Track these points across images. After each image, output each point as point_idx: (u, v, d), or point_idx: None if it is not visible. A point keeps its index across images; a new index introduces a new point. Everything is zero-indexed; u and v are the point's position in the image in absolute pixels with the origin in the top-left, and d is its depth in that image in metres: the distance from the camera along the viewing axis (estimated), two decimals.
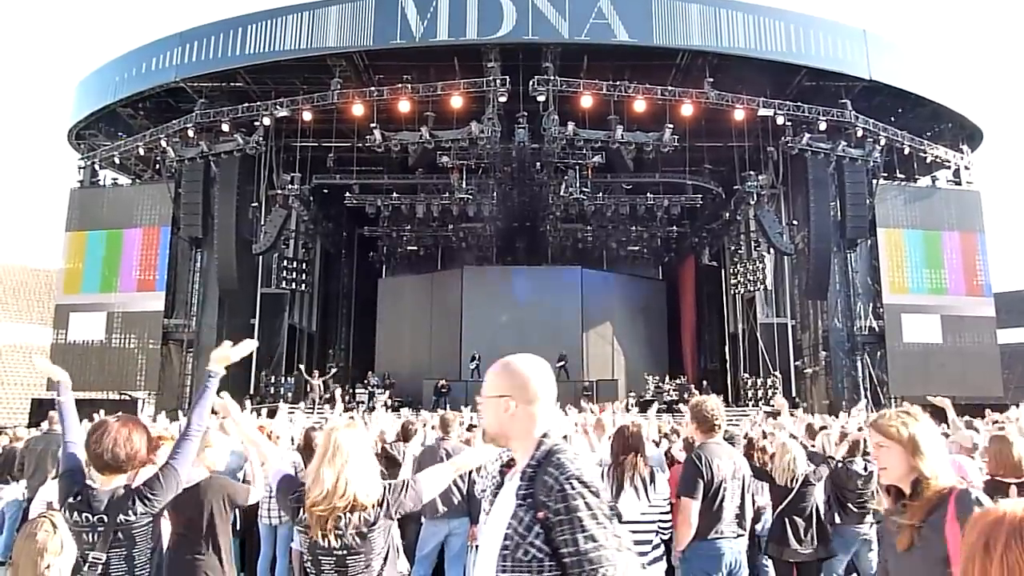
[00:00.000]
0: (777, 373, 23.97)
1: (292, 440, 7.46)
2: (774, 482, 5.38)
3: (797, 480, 5.27)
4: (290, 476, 2.87)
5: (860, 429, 5.98)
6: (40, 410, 19.61)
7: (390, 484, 2.73)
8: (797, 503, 5.25)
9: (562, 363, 23.65)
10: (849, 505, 5.65)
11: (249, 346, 3.25)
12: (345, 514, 2.58)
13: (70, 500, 2.79)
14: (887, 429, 2.31)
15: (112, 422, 2.84)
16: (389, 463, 6.17)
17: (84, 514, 2.75)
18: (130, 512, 2.72)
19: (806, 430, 6.92)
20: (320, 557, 2.61)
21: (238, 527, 6.56)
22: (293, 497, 2.71)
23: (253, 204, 23.63)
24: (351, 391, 24.32)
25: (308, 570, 2.65)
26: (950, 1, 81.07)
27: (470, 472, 5.87)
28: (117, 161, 24.82)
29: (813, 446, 6.30)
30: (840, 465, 5.75)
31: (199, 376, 23.32)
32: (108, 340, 23.15)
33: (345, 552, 2.59)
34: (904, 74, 22.90)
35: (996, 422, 6.60)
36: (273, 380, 24.04)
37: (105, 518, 2.71)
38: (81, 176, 25.08)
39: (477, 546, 5.82)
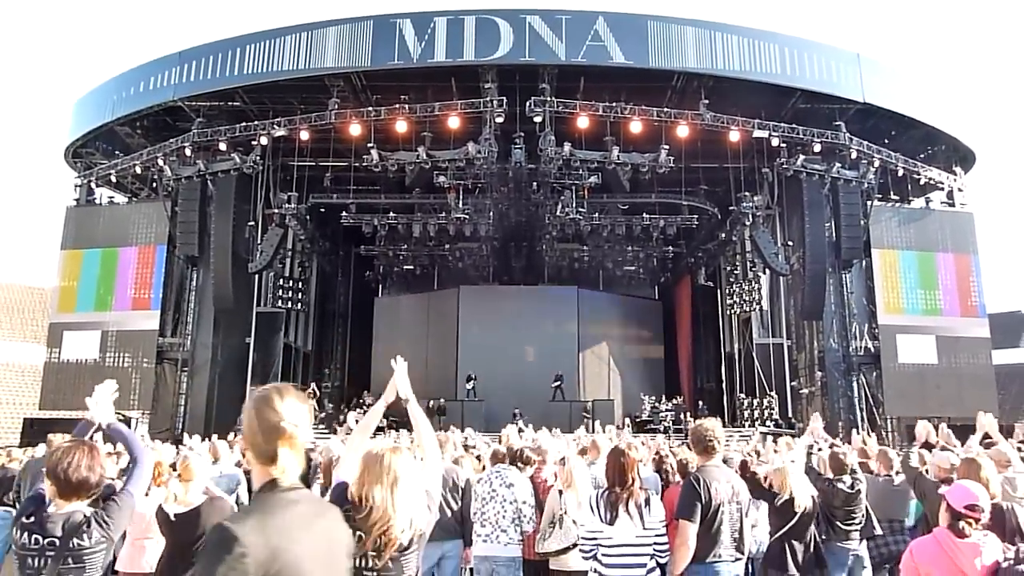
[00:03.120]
0: (773, 393, 23.94)
1: None
2: (774, 504, 5.32)
3: (802, 506, 5.21)
4: (346, 485, 2.80)
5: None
6: (32, 430, 19.48)
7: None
8: (801, 528, 5.20)
9: (558, 383, 23.60)
10: (837, 523, 5.64)
11: (108, 387, 3.14)
12: (392, 536, 2.56)
13: (23, 520, 2.74)
14: None
15: (77, 445, 2.81)
16: None
17: (35, 536, 2.69)
18: (85, 537, 2.68)
19: (831, 460, 6.69)
20: None
21: None
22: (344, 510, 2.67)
23: (250, 223, 23.62)
24: (346, 410, 24.22)
25: None
26: (943, 25, 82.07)
27: (464, 492, 5.85)
28: (114, 179, 24.81)
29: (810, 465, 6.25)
30: (827, 483, 5.74)
31: (194, 395, 23.28)
32: (102, 359, 23.03)
33: (375, 574, 2.58)
34: (898, 97, 23.10)
35: (988, 436, 6.57)
36: None
37: (57, 542, 2.67)
38: (77, 194, 25.09)
39: (471, 569, 5.79)
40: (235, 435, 11.90)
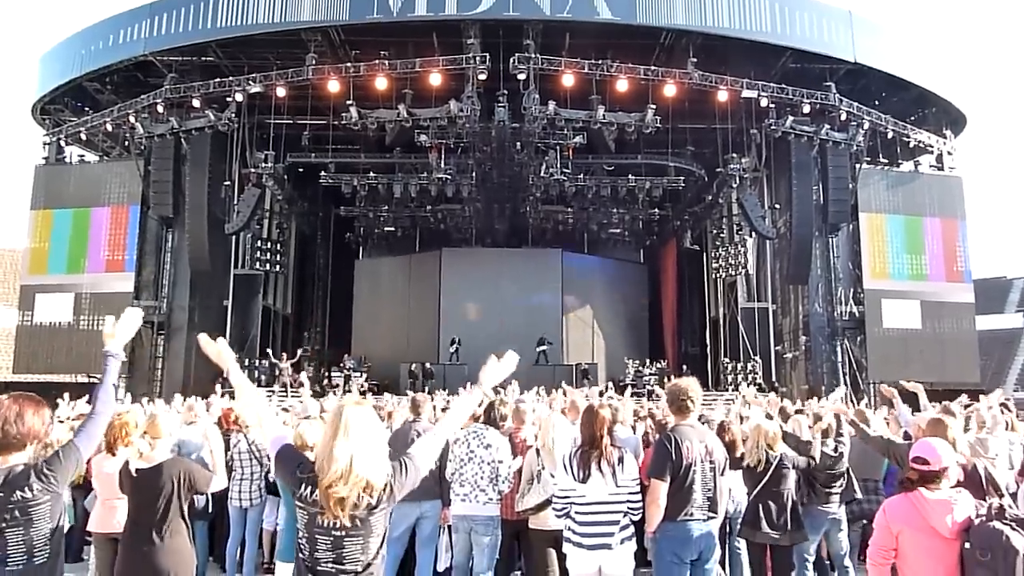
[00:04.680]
0: (757, 358, 24.23)
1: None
2: (745, 465, 5.43)
3: (771, 463, 5.33)
4: (291, 446, 2.82)
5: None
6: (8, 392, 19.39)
7: (395, 465, 2.70)
8: (771, 486, 5.30)
9: (542, 347, 23.74)
10: (818, 486, 5.74)
11: (134, 315, 3.12)
12: (359, 495, 2.56)
13: None
14: None
15: (18, 398, 2.81)
16: None
17: None
18: (27, 489, 2.69)
19: (779, 413, 7.02)
20: (317, 536, 2.59)
21: (209, 510, 6.56)
22: (300, 469, 2.65)
23: (225, 183, 23.35)
24: (327, 375, 24.28)
25: (300, 548, 2.63)
26: None
27: (442, 453, 5.89)
28: (84, 137, 24.37)
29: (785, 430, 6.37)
30: (807, 446, 5.82)
31: (171, 359, 23.23)
32: (76, 322, 22.88)
33: (343, 533, 2.58)
34: (889, 57, 23.03)
35: (967, 406, 6.74)
36: (247, 363, 23.87)
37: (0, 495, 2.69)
38: (46, 153, 24.63)
39: (449, 527, 5.88)
40: (219, 394, 11.91)
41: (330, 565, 2.59)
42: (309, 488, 2.60)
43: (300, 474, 2.64)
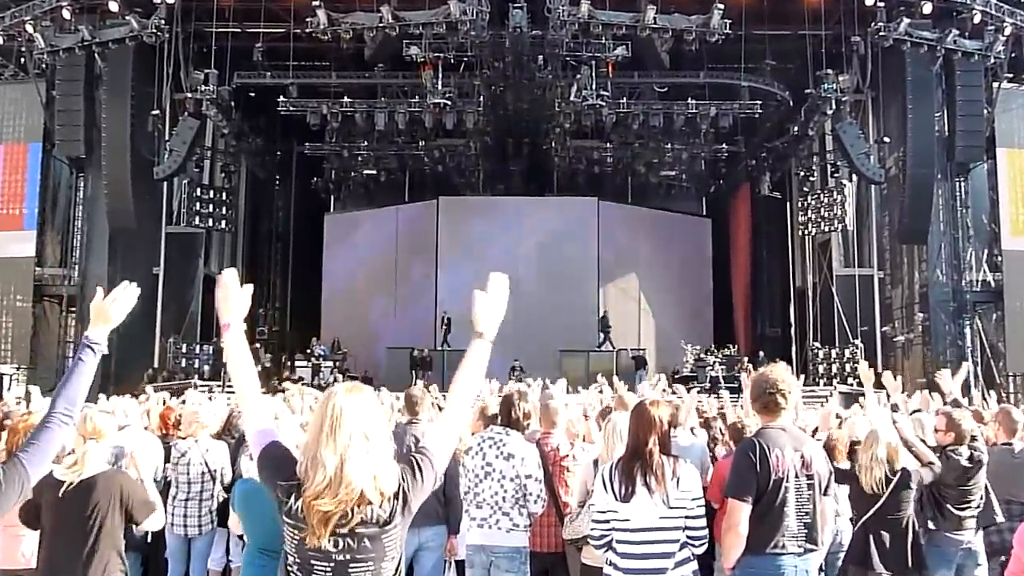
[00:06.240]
0: (858, 342, 24.07)
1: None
2: (857, 484, 5.39)
3: (889, 482, 5.27)
4: (280, 444, 2.80)
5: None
6: None
7: (405, 467, 2.70)
8: (887, 512, 5.26)
9: (607, 329, 24.59)
10: (948, 506, 5.70)
11: (131, 293, 3.11)
12: (353, 509, 2.56)
13: None
14: None
15: None
16: None
17: None
18: None
19: (894, 410, 6.95)
20: (314, 562, 2.59)
21: (148, 540, 6.61)
22: (284, 480, 2.65)
23: (153, 112, 23.30)
24: (289, 364, 24.39)
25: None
26: None
27: (449, 467, 5.90)
28: None
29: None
30: (939, 454, 5.77)
31: None
32: None
33: (348, 557, 2.58)
34: None
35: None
36: (185, 349, 24.06)
37: None
38: None
39: (457, 562, 5.90)
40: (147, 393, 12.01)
41: None
42: (298, 500, 2.59)
43: (284, 485, 2.64)
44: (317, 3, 20.69)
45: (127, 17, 21.74)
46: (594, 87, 22.63)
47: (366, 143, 27.30)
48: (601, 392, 11.14)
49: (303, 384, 19.42)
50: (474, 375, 2.97)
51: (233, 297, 2.92)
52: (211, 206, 25.70)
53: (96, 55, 22.55)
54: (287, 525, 2.63)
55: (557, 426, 6.06)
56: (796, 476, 4.26)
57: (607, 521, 4.29)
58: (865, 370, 6.71)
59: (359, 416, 2.64)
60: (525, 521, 5.42)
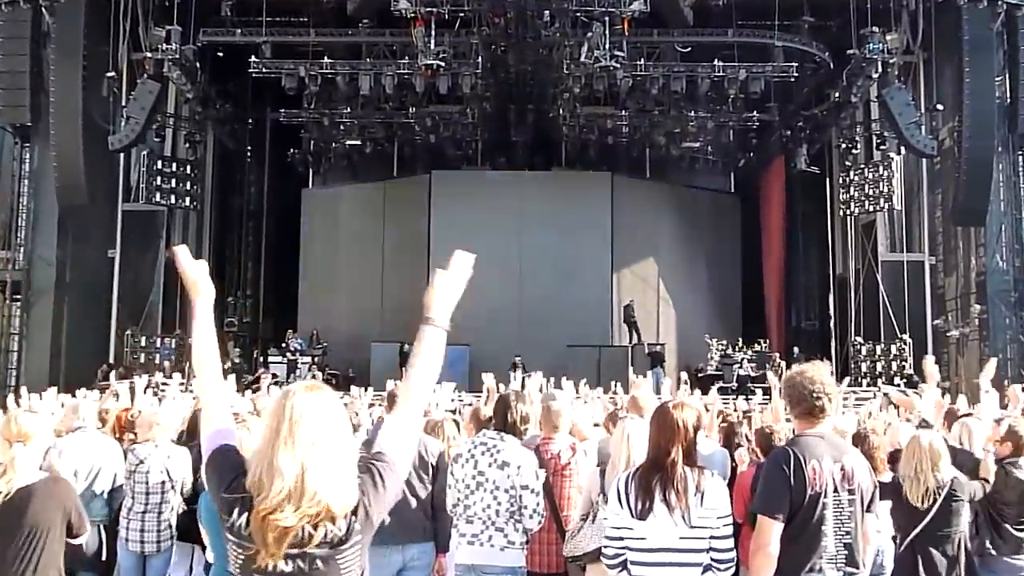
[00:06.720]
0: (907, 336, 24.07)
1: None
2: (900, 498, 5.38)
3: (937, 496, 5.26)
4: (230, 447, 2.76)
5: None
6: None
7: (365, 478, 2.65)
8: (935, 528, 5.27)
9: (631, 320, 24.76)
10: (1005, 527, 5.69)
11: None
12: (316, 526, 2.53)
13: None
14: None
15: None
16: None
17: None
18: None
19: (945, 416, 6.94)
20: None
21: (102, 556, 6.61)
22: (229, 489, 2.61)
23: (109, 75, 23.30)
24: (262, 360, 24.42)
25: None
26: None
27: (436, 473, 5.88)
28: None
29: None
30: (996, 468, 5.75)
31: (32, 334, 23.42)
32: None
33: None
34: None
35: None
36: (144, 343, 24.08)
37: None
38: None
39: None
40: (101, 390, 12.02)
41: None
42: (243, 514, 2.56)
43: (229, 495, 2.60)
44: None
45: None
46: (607, 47, 22.52)
47: (349, 110, 27.21)
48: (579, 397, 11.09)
49: (275, 383, 19.51)
50: (428, 367, 2.92)
51: (189, 276, 2.88)
52: (174, 181, 25.58)
53: (43, 9, 22.56)
54: (231, 543, 2.60)
55: (559, 430, 6.04)
56: (835, 491, 4.24)
57: (621, 539, 4.27)
58: (931, 366, 6.68)
59: (320, 419, 2.61)
60: (521, 538, 5.42)
